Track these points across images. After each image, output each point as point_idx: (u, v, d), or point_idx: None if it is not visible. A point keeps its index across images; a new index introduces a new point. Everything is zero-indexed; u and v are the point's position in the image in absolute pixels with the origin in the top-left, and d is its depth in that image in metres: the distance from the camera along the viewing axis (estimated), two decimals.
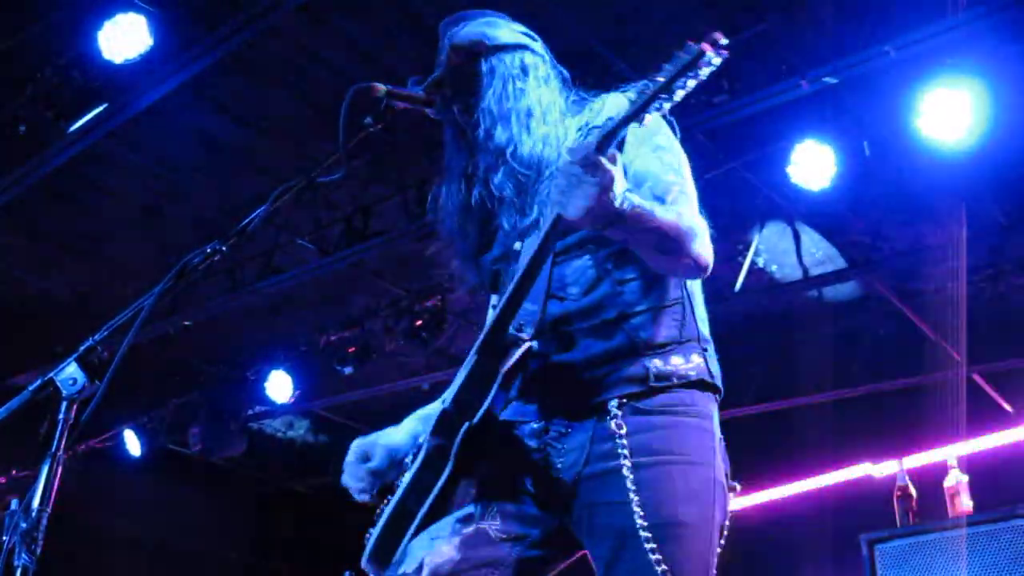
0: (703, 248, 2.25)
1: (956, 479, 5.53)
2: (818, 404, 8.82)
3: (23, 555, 1.96)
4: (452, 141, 2.63)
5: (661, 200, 2.27)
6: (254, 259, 8.04)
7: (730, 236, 7.80)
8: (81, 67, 6.05)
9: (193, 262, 2.31)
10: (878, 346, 8.88)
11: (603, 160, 2.03)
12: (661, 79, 2.02)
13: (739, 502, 9.45)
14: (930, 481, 5.88)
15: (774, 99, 5.76)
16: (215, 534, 11.40)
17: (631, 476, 2.16)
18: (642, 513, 2.12)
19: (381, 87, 2.44)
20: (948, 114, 5.52)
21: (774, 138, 6.43)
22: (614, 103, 2.44)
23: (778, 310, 8.70)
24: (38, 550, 2.00)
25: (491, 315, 2.34)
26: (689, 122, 6.00)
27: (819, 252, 7.88)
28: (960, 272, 7.03)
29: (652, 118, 2.18)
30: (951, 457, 5.75)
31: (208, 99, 6.61)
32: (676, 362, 2.29)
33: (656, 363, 2.26)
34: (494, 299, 2.65)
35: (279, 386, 9.18)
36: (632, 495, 2.14)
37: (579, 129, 2.39)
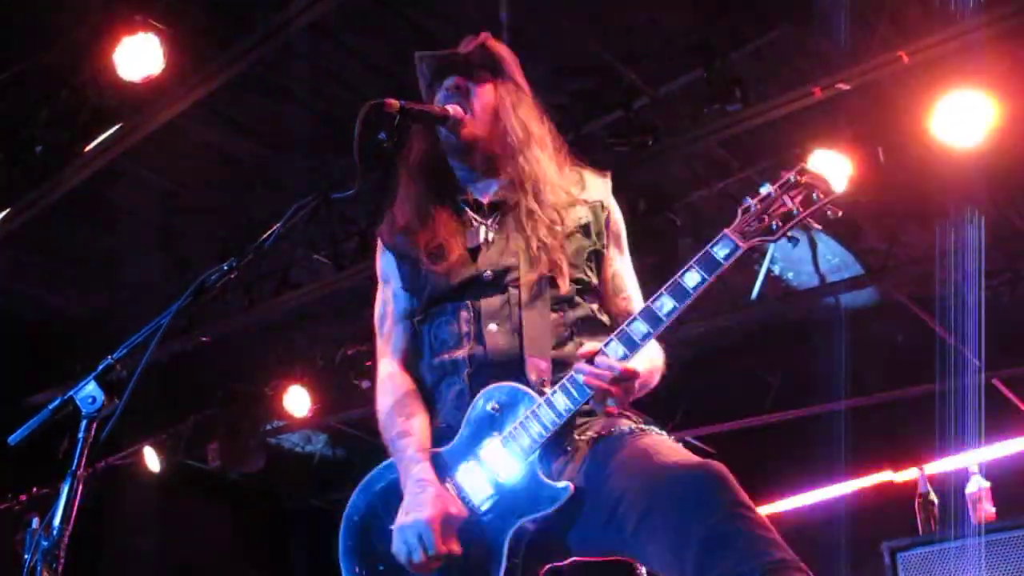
0: (659, 375, 2.63)
1: (978, 485, 5.49)
2: (836, 411, 8.78)
3: (45, 574, 1.97)
4: (424, 138, 2.75)
5: (630, 312, 2.57)
6: (270, 275, 8.07)
7: None
8: (96, 87, 6.09)
9: (210, 279, 2.32)
10: (896, 352, 8.84)
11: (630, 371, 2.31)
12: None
13: (760, 511, 9.37)
14: (952, 488, 5.84)
15: (787, 107, 5.75)
16: (233, 550, 11.40)
17: None
18: None
19: (395, 103, 2.46)
20: (963, 119, 5.49)
21: (788, 146, 6.41)
22: (595, 188, 2.75)
23: (795, 318, 8.67)
24: (59, 568, 2.01)
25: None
26: (703, 131, 6.00)
27: (835, 259, 7.86)
28: (978, 277, 6.99)
29: (619, 215, 2.75)
30: (973, 463, 5.71)
31: (222, 117, 6.65)
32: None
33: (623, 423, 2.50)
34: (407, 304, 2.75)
35: (297, 401, 9.19)
36: None
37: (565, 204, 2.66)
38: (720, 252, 2.32)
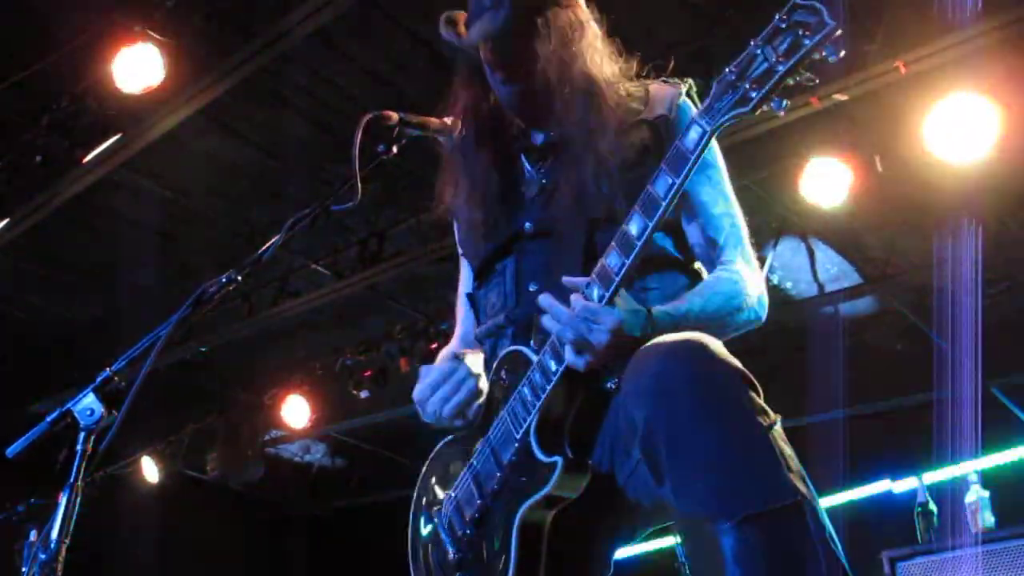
0: (749, 309, 2.25)
1: (977, 495, 5.49)
2: (836, 420, 8.77)
3: None
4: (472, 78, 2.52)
5: (714, 241, 2.30)
6: (270, 284, 8.07)
7: None
8: (96, 97, 6.10)
9: (209, 291, 2.32)
10: (895, 361, 8.84)
11: (606, 313, 1.98)
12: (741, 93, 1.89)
13: None
14: (951, 497, 5.83)
15: (786, 116, 5.75)
16: (233, 559, 11.39)
17: None
18: None
19: (393, 115, 2.44)
20: (960, 128, 5.50)
21: (786, 155, 6.42)
22: (659, 101, 2.41)
23: (794, 326, 8.67)
24: None
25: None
26: None
27: (834, 268, 7.86)
28: (976, 286, 7.00)
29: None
30: (972, 472, 5.71)
31: (222, 126, 6.65)
32: None
33: None
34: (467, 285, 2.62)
35: (295, 410, 9.18)
36: None
37: (621, 129, 2.33)
38: (689, 142, 1.95)
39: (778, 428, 1.86)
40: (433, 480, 2.41)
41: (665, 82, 2.51)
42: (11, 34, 5.92)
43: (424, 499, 2.43)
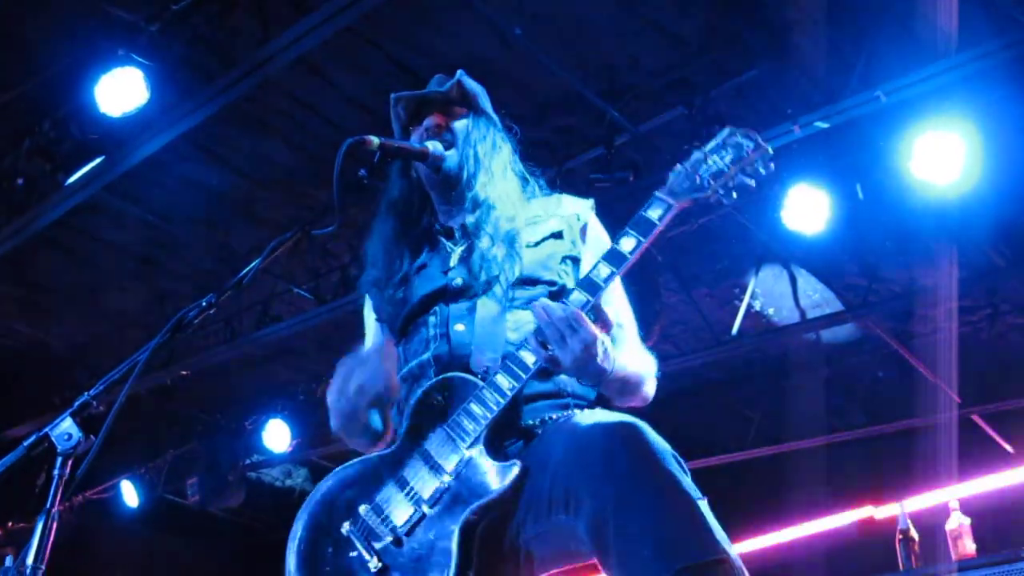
0: (650, 387, 2.57)
1: (958, 522, 5.51)
2: (817, 447, 8.79)
3: None
4: (401, 174, 2.81)
5: (620, 326, 2.57)
6: (251, 308, 8.05)
7: (726, 280, 7.82)
8: (79, 121, 6.09)
9: (189, 316, 2.31)
10: (876, 388, 8.88)
11: (588, 321, 2.27)
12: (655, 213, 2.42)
13: (741, 547, 9.37)
14: (932, 523, 5.85)
15: (767, 144, 5.79)
16: None
17: None
18: None
19: (374, 140, 2.47)
20: (940, 157, 5.55)
21: (768, 183, 6.44)
22: (572, 204, 2.79)
23: (776, 353, 8.70)
24: None
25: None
26: None
27: (816, 295, 7.90)
28: (956, 313, 7.04)
29: (600, 228, 2.74)
30: (952, 499, 5.73)
31: (205, 150, 6.65)
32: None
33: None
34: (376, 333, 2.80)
35: (277, 435, 9.15)
36: None
37: (532, 219, 2.69)
38: (653, 213, 2.43)
39: (704, 502, 2.08)
40: (332, 500, 2.47)
41: (575, 196, 2.88)
42: None
43: (321, 517, 2.47)
